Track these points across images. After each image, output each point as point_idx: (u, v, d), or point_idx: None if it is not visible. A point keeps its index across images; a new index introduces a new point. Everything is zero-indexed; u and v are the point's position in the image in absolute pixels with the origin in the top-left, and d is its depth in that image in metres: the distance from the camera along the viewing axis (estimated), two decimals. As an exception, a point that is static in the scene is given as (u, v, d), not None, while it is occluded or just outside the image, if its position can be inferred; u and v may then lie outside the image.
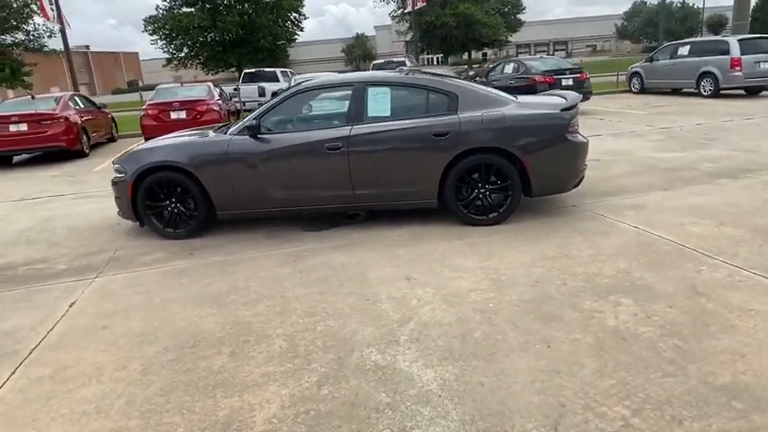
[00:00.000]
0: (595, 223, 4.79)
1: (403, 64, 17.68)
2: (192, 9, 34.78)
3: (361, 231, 5.05)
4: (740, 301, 3.15)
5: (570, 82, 12.54)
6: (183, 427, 2.43)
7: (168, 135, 5.99)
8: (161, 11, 34.45)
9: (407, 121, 4.86)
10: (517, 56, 64.81)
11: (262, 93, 16.82)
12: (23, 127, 10.55)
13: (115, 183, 5.34)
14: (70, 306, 3.90)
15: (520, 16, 42.98)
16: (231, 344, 3.14)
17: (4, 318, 3.77)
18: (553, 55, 64.94)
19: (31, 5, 31.82)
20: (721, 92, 14.12)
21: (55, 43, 33.79)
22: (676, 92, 15.88)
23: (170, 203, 5.21)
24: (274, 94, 12.36)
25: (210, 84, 12.73)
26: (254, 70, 19.58)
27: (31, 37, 32.60)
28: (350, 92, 5.00)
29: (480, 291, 3.56)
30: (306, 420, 2.39)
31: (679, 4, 51.44)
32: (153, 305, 3.80)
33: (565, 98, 5.12)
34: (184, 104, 11.30)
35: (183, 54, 35.08)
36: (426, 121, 4.82)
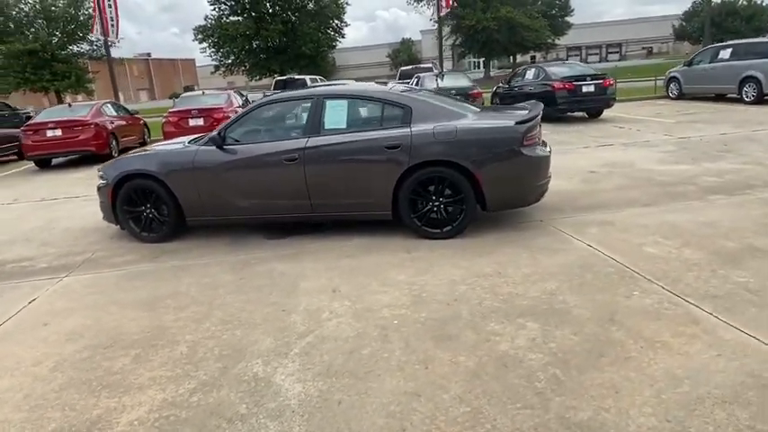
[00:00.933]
0: (551, 240, 4.64)
1: (429, 70, 17.64)
2: (239, 18, 36.01)
3: (318, 241, 5.12)
4: (652, 331, 2.98)
5: (591, 88, 12.12)
6: (56, 423, 2.58)
7: (155, 144, 6.28)
8: (210, 20, 35.87)
9: (361, 134, 4.88)
10: (567, 59, 63.14)
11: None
12: (58, 132, 11.34)
13: (99, 188, 5.65)
14: (29, 303, 4.18)
15: (568, 18, 41.74)
16: (140, 347, 3.28)
17: (-37, 313, 4.09)
18: (605, 58, 62.85)
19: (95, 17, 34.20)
20: (766, 98, 13.24)
21: (116, 52, 36.06)
22: (720, 98, 14.99)
23: (145, 209, 5.47)
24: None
25: (231, 92, 13.20)
26: (285, 78, 20.07)
27: (95, 47, 34.65)
28: (309, 105, 5.08)
29: (395, 307, 3.54)
30: (162, 425, 2.48)
31: (745, 2, 48.35)
32: (97, 305, 4.02)
33: (527, 110, 5.00)
34: (202, 112, 11.82)
35: (229, 61, 36.37)
36: (379, 133, 4.83)
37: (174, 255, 5.09)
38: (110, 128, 11.91)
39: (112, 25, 17.50)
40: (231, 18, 35.26)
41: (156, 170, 5.28)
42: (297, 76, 20.27)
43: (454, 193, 4.79)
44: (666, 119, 12.17)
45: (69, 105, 12.55)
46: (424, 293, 3.72)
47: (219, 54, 37.04)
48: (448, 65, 52.39)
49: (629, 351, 2.80)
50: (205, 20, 36.73)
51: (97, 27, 16.51)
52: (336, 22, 38.21)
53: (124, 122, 13.22)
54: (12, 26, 32.39)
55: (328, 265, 4.46)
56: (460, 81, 12.75)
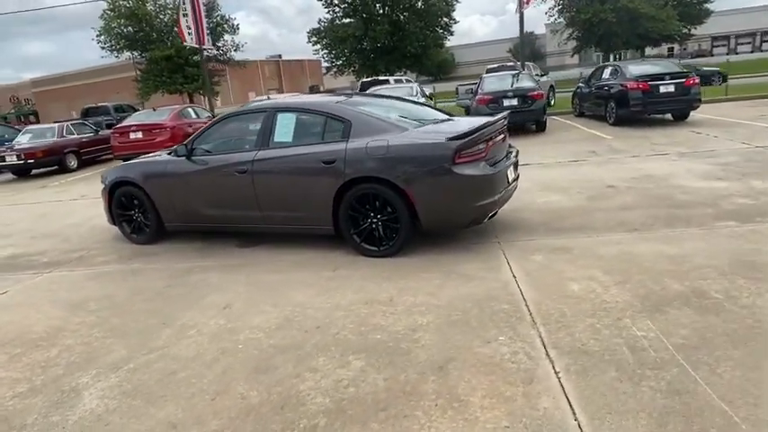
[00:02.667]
0: (480, 266, 4.24)
1: (513, 68, 16.78)
2: (351, 20, 37.20)
3: (270, 253, 5.19)
4: (470, 386, 2.62)
5: (671, 88, 10.66)
6: None
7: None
8: (323, 23, 37.57)
9: (302, 148, 4.86)
10: (711, 51, 55.83)
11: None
12: (139, 135, 12.60)
13: (101, 191, 6.29)
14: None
15: (708, 6, 36.72)
16: (27, 347, 3.62)
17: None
18: (759, 48, 54.33)
19: (223, 25, 37.74)
20: None
21: (251, 54, 39.55)
22: None
23: (134, 213, 5.98)
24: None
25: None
26: (370, 79, 20.39)
27: (221, 51, 38.16)
28: (262, 118, 5.17)
29: (257, 330, 3.50)
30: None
31: None
32: (38, 303, 4.48)
33: (474, 124, 4.61)
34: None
35: (339, 63, 37.81)
36: (317, 148, 4.77)
37: (145, 257, 5.50)
38: (187, 131, 13.06)
39: (208, 33, 19.18)
40: (344, 20, 36.57)
41: (137, 178, 5.75)
42: (381, 77, 20.51)
43: (390, 211, 4.58)
44: (765, 122, 10.34)
45: (154, 110, 14.00)
46: (298, 317, 3.63)
47: (332, 55, 38.63)
48: (565, 59, 49.50)
49: (415, 408, 2.50)
50: (319, 23, 38.51)
51: (187, 37, 18.21)
52: (445, 19, 37.89)
53: (202, 125, 14.35)
54: (154, 35, 36.93)
55: (252, 279, 4.53)
56: (524, 82, 11.97)
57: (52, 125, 14.17)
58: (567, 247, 4.51)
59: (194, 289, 4.43)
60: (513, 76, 12.84)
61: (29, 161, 12.52)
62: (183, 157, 5.47)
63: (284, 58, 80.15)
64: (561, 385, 2.56)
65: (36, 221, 7.93)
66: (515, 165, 5.19)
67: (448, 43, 40.24)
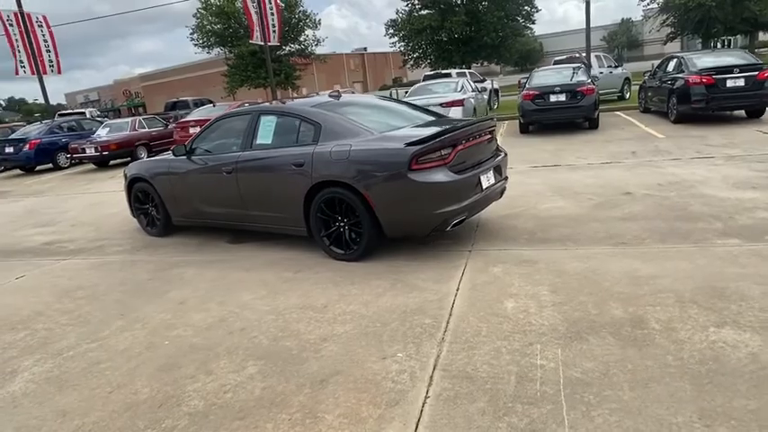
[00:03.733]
0: (434, 275, 4.11)
1: (579, 61, 15.81)
2: (430, 11, 36.85)
3: (253, 251, 5.38)
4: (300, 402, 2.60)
5: (741, 82, 9.53)
6: None
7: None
8: (401, 14, 37.50)
9: (278, 150, 4.96)
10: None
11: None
12: (198, 129, 13.28)
13: (124, 186, 6.82)
14: (16, 279, 5.39)
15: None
16: (1, 327, 4.05)
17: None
18: None
19: (305, 20, 38.99)
20: None
21: (338, 47, 40.61)
22: None
23: (149, 207, 6.44)
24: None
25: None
26: (432, 73, 20.11)
27: (303, 46, 39.41)
28: (248, 120, 5.34)
29: (192, 327, 3.67)
30: None
31: None
32: (39, 287, 4.97)
33: (439, 127, 4.46)
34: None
35: (416, 55, 37.63)
36: (290, 150, 4.85)
37: (150, 249, 5.91)
38: None
39: (273, 31, 19.87)
40: (422, 12, 36.30)
41: (148, 175, 6.18)
42: (444, 71, 20.17)
43: (356, 215, 4.58)
44: None
45: (213, 105, 14.78)
46: (232, 318, 3.76)
47: (408, 48, 38.55)
48: (665, 47, 46.01)
49: (269, 420, 2.51)
50: (396, 13, 38.47)
51: (257, 34, 18.93)
52: (526, 8, 36.41)
53: None
54: (242, 31, 38.86)
55: (219, 275, 4.74)
56: (576, 77, 11.25)
57: (127, 120, 15.48)
58: (535, 259, 4.26)
59: (167, 283, 4.70)
60: (573, 69, 12.13)
61: (104, 153, 13.78)
62: (184, 157, 5.79)
63: (369, 50, 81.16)
64: (421, 412, 2.46)
65: (84, 210, 8.74)
66: (497, 169, 4.95)
67: (534, 32, 38.59)
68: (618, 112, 13.86)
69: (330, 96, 5.48)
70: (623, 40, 64.29)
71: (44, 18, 20.13)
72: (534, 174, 7.64)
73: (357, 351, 3.09)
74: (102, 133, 14.60)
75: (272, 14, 19.86)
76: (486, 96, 14.96)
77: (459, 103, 11.44)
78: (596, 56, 17.79)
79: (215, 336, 3.50)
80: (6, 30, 19.26)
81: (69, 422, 2.69)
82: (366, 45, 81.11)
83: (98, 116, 28.93)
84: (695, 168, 6.85)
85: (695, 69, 9.97)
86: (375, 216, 4.44)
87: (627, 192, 6.04)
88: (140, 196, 6.45)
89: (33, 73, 20.10)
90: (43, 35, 19.98)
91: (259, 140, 5.20)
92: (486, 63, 38.21)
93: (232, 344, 3.36)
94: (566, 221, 5.21)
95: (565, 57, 18.74)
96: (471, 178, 4.48)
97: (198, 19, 38.00)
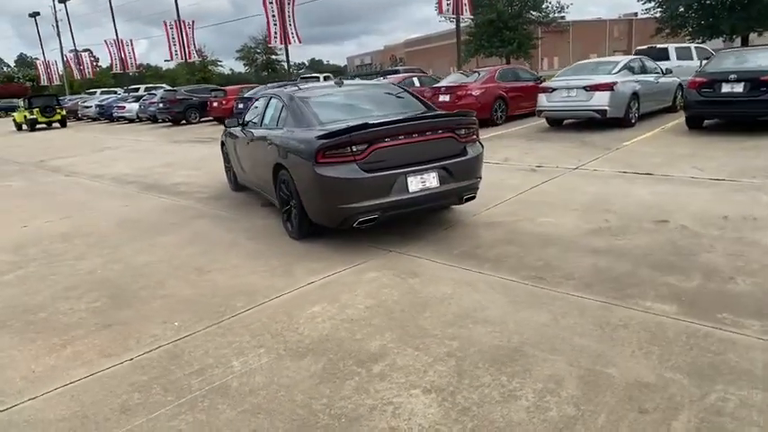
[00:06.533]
0: (317, 267, 4.23)
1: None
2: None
3: (260, 215, 6.12)
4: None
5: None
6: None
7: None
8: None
9: (267, 130, 5.52)
10: None
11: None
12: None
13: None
14: (125, 206, 7.26)
15: None
16: (55, 239, 5.70)
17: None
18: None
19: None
20: None
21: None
22: None
23: (230, 166, 7.72)
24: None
25: (498, 67, 13.29)
26: (646, 47, 17.09)
27: (543, 14, 37.45)
28: (265, 102, 6.00)
29: (117, 260, 4.66)
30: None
31: None
32: (117, 213, 6.65)
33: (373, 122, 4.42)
34: (449, 90, 12.66)
35: (676, 23, 32.15)
36: (270, 132, 5.37)
37: (213, 201, 7.13)
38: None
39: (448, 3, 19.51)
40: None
41: (225, 139, 7.43)
42: (660, 45, 16.97)
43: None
44: None
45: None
46: (143, 260, 4.61)
47: (665, 14, 33.24)
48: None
49: None
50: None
51: (446, 7, 18.78)
52: None
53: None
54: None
55: (206, 230, 5.65)
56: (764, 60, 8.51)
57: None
58: (419, 272, 4.00)
59: (179, 227, 5.81)
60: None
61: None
62: (239, 127, 6.80)
63: (640, 16, 71.73)
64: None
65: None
66: (447, 172, 4.58)
67: None
68: None
69: (335, 84, 5.74)
70: None
71: (293, -5, 23.85)
72: (616, 182, 6.42)
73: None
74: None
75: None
76: (674, 81, 12.39)
77: (607, 87, 9.93)
78: None
79: (108, 269, 4.41)
80: (265, 5, 23.44)
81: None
82: (636, 11, 71.79)
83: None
84: (692, 192, 4.92)
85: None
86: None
87: (661, 221, 4.80)
88: (225, 156, 7.78)
89: (281, 42, 24.16)
90: (289, 11, 23.70)
91: (265, 120, 5.84)
92: (762, 34, 30.39)
93: (95, 277, 4.21)
94: (534, 241, 4.54)
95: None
96: (387, 178, 4.33)
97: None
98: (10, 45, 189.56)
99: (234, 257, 4.67)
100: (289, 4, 23.64)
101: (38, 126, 25.06)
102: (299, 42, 24.48)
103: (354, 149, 4.27)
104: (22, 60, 76.18)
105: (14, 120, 27.45)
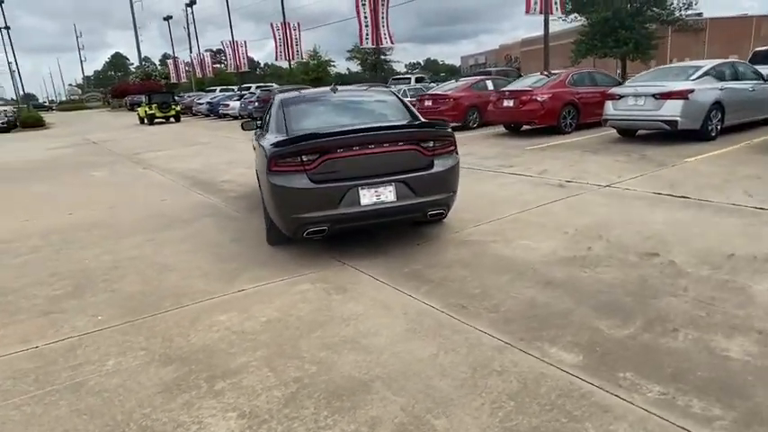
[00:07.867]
0: (263, 274, 4.31)
1: None
2: None
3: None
4: None
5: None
6: None
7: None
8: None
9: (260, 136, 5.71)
10: None
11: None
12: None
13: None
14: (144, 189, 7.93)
15: None
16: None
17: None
18: None
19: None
20: None
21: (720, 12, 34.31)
22: None
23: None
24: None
25: (572, 70, 12.29)
26: (764, 48, 14.81)
27: (667, 11, 34.19)
28: (272, 104, 6.19)
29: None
30: None
31: None
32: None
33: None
34: (513, 94, 11.94)
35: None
36: (259, 137, 5.55)
37: (240, 203, 7.56)
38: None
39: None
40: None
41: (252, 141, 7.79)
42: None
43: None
44: None
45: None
46: (140, 249, 5.00)
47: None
48: None
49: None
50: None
51: (533, 8, 17.63)
52: None
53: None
54: (601, -1, 36.17)
55: (212, 223, 5.99)
56: None
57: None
58: (349, 288, 3.92)
59: (186, 224, 6.22)
60: None
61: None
62: (259, 130, 7.09)
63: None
64: (12, 355, 3.22)
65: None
66: (407, 186, 4.41)
67: None
68: None
69: (331, 90, 5.77)
70: None
71: (387, -3, 24.15)
72: (638, 203, 5.73)
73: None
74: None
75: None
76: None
77: (680, 95, 8.84)
78: None
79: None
80: (358, 7, 24.02)
81: None
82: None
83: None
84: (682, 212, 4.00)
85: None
86: (268, 207, 4.82)
87: (652, 253, 4.21)
88: (259, 157, 8.16)
89: (373, 43, 24.62)
90: (383, 13, 24.04)
91: (270, 123, 6.03)
92: None
93: (65, 259, 4.62)
94: (492, 266, 4.22)
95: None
96: (337, 190, 4.27)
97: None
98: (156, 44, 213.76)
99: (204, 258, 4.89)
100: (383, 5, 24.00)
101: (156, 120, 27.97)
102: (392, 43, 24.74)
103: (305, 159, 4.27)
104: (164, 60, 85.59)
105: (138, 114, 30.84)
